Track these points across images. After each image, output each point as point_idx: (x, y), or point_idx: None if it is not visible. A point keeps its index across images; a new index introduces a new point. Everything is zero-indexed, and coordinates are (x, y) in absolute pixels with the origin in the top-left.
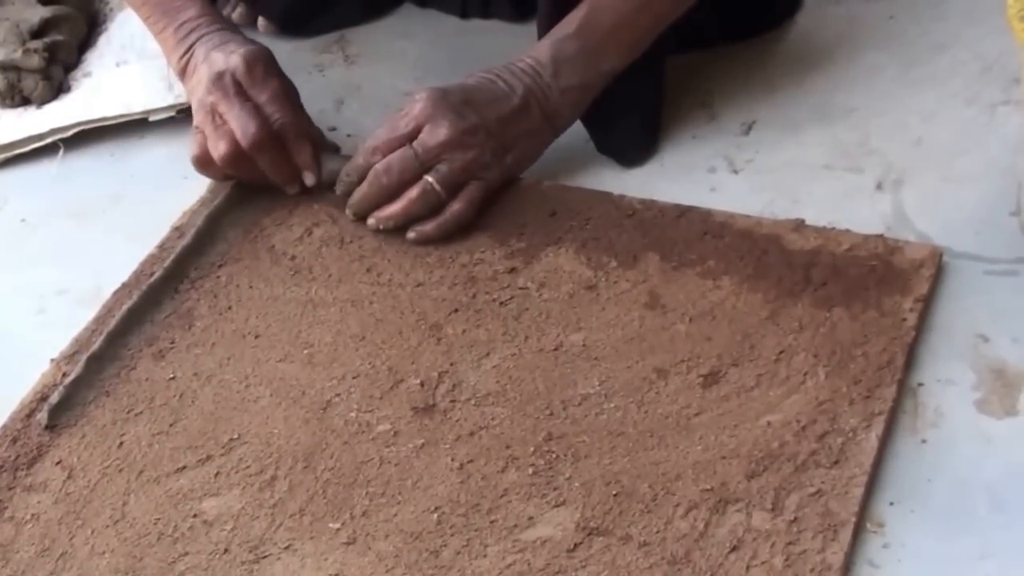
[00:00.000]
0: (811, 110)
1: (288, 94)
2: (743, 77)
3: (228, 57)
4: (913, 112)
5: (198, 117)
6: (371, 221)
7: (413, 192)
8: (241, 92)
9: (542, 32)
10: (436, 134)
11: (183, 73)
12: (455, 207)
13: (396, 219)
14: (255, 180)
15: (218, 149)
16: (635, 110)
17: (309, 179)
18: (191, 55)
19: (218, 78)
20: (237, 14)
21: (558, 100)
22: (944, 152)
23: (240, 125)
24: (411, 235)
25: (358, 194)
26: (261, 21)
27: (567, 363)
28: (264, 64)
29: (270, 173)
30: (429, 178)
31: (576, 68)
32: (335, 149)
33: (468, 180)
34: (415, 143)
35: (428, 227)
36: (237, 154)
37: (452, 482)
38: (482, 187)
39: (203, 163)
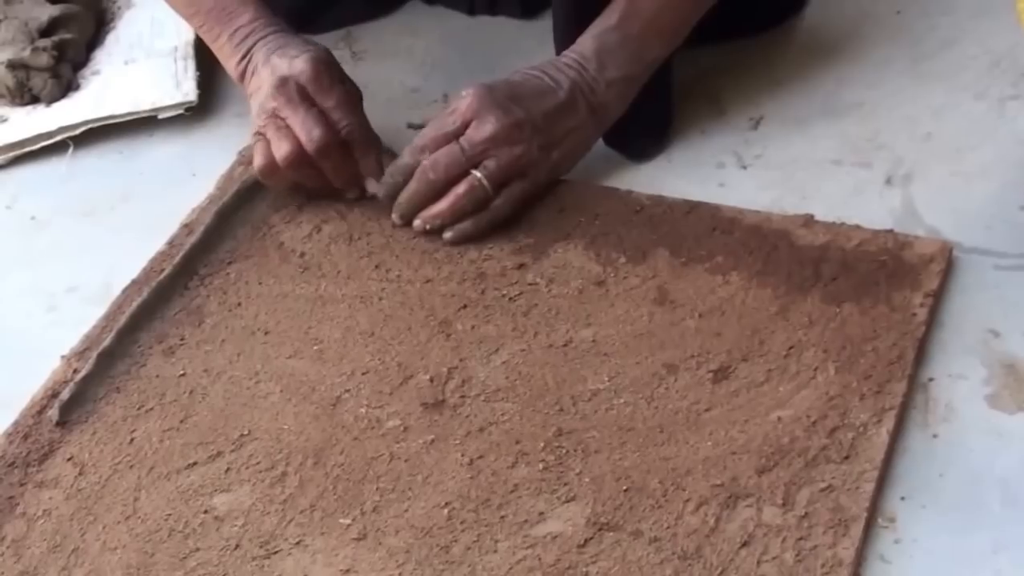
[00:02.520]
0: (819, 105)
1: (353, 100)
2: (751, 73)
3: (292, 62)
4: (922, 107)
5: (259, 121)
6: (417, 223)
7: (460, 188)
8: (306, 98)
9: (557, 28)
10: (482, 129)
11: (242, 78)
12: (496, 204)
13: (443, 217)
14: (316, 185)
15: (281, 150)
16: (645, 105)
17: (372, 186)
18: (249, 60)
19: (281, 84)
20: None
21: (604, 93)
22: (953, 147)
23: (305, 130)
24: (448, 235)
25: (405, 194)
26: None
27: (576, 359)
28: (329, 69)
29: (333, 178)
30: (477, 173)
31: (620, 60)
32: (394, 155)
33: (514, 177)
34: (462, 139)
35: (466, 224)
36: (300, 157)
37: (462, 477)
38: (526, 185)
39: (269, 171)
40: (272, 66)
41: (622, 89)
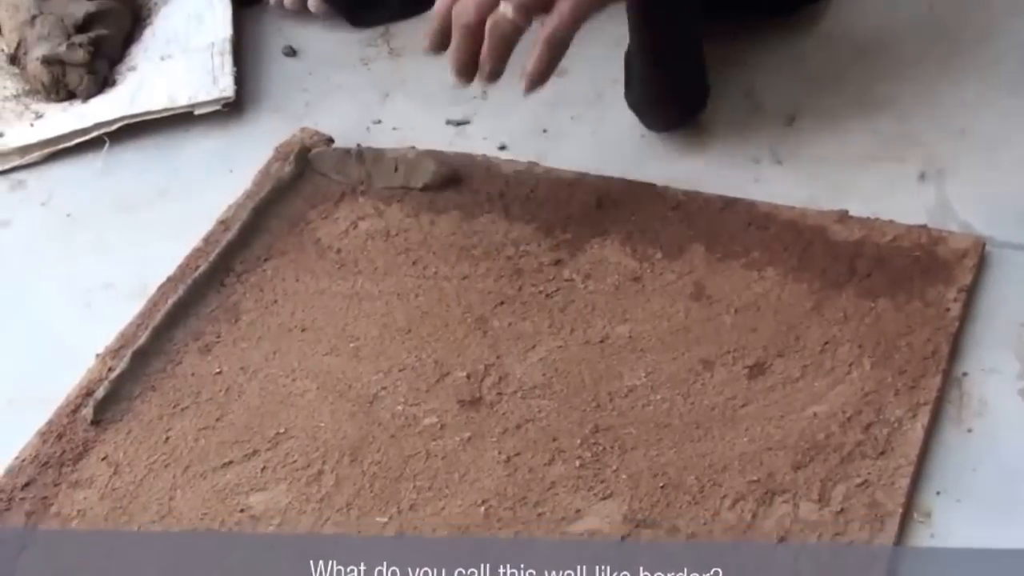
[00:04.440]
0: (853, 101)
1: None
2: (785, 68)
3: None
4: (955, 102)
5: None
6: (480, 83)
7: (489, 22)
8: None
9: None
10: None
11: None
12: (546, 33)
13: (491, 58)
14: None
15: None
16: (679, 71)
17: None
18: None
19: None
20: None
21: None
22: (987, 142)
23: None
24: (525, 92)
25: (451, 52)
26: (315, 2)
27: (613, 355)
28: None
29: None
30: (502, 6)
31: None
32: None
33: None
34: None
35: (529, 67)
36: None
37: (499, 475)
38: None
39: None
40: None
41: None
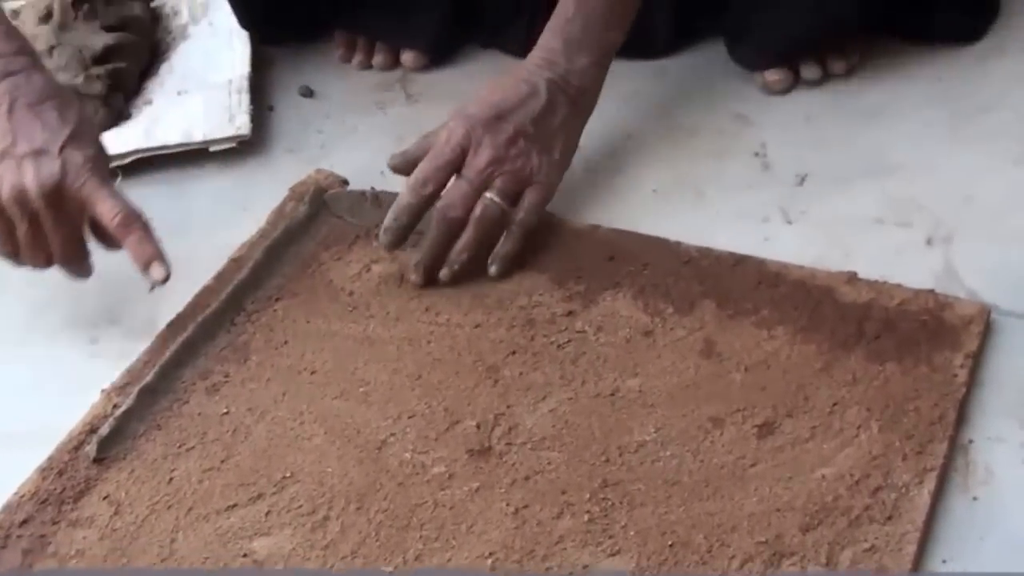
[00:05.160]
0: (862, 164)
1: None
2: (796, 128)
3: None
4: (962, 170)
5: None
6: (444, 272)
7: (477, 211)
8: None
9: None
10: (481, 155)
11: None
12: (519, 216)
13: (469, 247)
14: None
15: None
16: None
17: (158, 271)
18: None
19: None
20: (379, 60)
21: (578, 83)
22: (992, 211)
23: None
24: (492, 268)
25: (425, 245)
26: (408, 55)
27: (623, 409)
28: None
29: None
30: (488, 195)
31: (585, 47)
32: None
33: (525, 187)
34: (463, 170)
35: (503, 249)
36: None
37: (507, 527)
38: (540, 190)
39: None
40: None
41: (594, 73)
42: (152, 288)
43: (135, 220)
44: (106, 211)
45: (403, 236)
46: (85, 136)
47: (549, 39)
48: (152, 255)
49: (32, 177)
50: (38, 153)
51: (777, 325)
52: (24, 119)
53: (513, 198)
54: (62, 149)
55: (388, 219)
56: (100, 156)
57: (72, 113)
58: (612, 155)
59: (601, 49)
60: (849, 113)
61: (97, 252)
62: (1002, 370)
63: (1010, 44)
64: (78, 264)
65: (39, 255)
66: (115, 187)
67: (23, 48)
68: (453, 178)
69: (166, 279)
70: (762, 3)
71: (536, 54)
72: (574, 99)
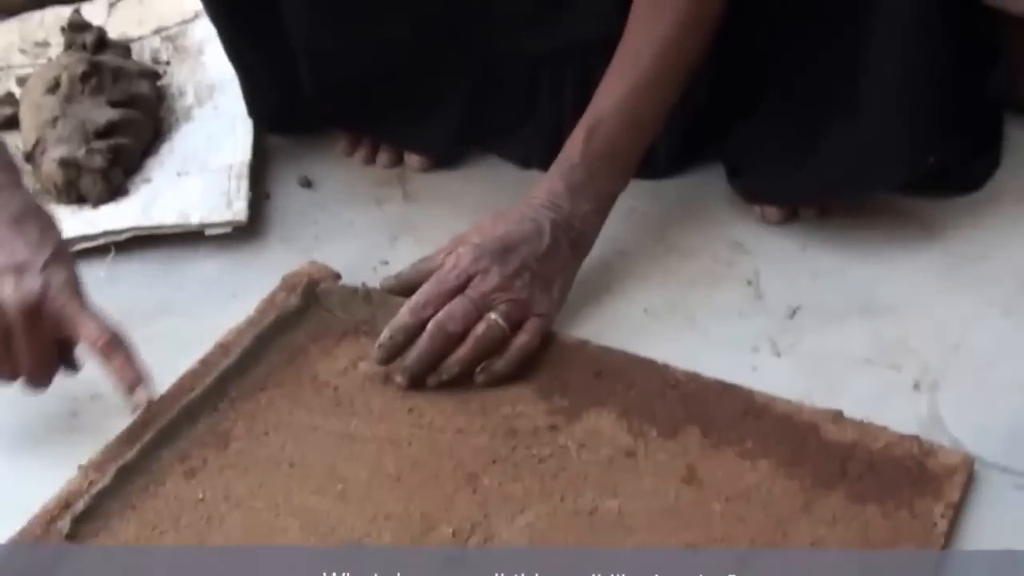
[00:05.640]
0: (855, 301)
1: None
2: (790, 258)
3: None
4: (952, 316)
5: None
6: (432, 379)
7: (479, 329)
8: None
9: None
10: (488, 281)
11: None
12: (521, 339)
13: (463, 362)
14: None
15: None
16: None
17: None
18: None
19: None
20: (383, 160)
21: (579, 228)
22: (980, 360)
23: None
24: (480, 378)
25: (416, 352)
26: (413, 158)
27: (601, 529)
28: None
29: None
30: (491, 315)
31: (588, 195)
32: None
33: (526, 317)
34: (468, 290)
35: (496, 365)
36: None
37: None
38: (541, 321)
39: None
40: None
41: (593, 220)
42: (134, 410)
43: (120, 343)
44: (91, 332)
45: (397, 354)
46: (66, 256)
47: (554, 182)
48: (137, 379)
49: (12, 291)
50: (19, 268)
51: (761, 457)
52: (5, 235)
53: (515, 325)
54: (44, 266)
55: (384, 336)
56: (77, 277)
57: (53, 232)
58: (605, 271)
59: (602, 198)
60: (844, 249)
61: None
62: (982, 524)
63: (1006, 193)
64: (45, 381)
65: (5, 369)
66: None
67: (5, 165)
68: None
69: (150, 402)
70: (760, 146)
71: (540, 195)
72: (574, 242)
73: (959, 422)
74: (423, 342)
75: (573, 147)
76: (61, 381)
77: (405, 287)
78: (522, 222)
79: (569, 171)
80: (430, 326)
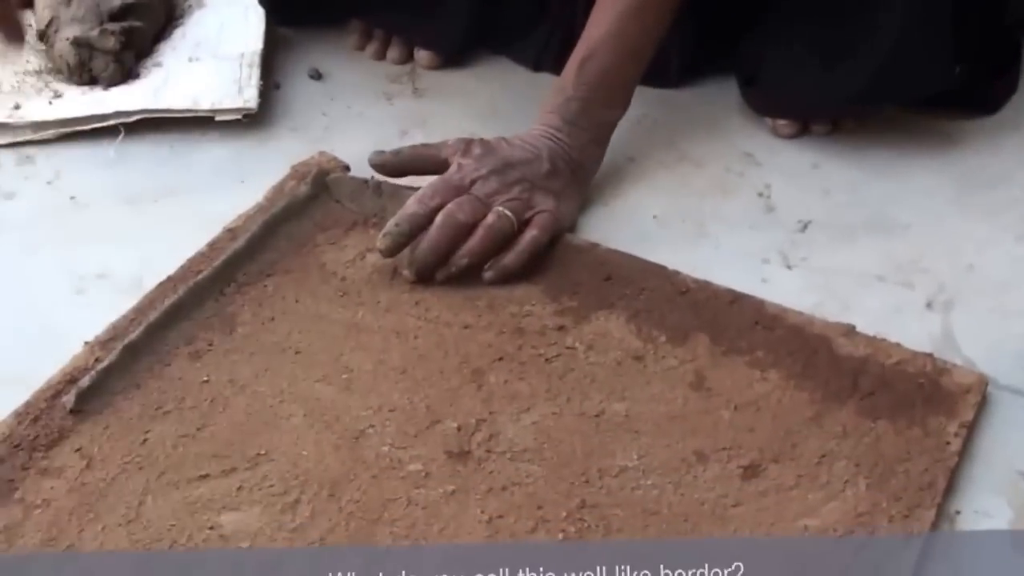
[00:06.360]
0: (866, 219)
1: None
2: (802, 173)
3: None
4: (966, 238)
5: None
6: (441, 272)
7: (488, 220)
8: None
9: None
10: (490, 183)
11: None
12: (530, 234)
13: (473, 253)
14: None
15: None
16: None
17: None
18: None
19: None
20: (393, 55)
21: (579, 158)
22: (994, 282)
23: None
24: (488, 274)
25: (427, 241)
26: (422, 54)
27: (608, 431)
28: None
29: None
30: (499, 207)
31: (585, 126)
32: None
33: (532, 215)
34: (472, 191)
35: (505, 260)
36: None
37: (479, 535)
38: (550, 216)
39: None
40: None
41: (592, 150)
42: None
43: None
44: None
45: (403, 243)
46: None
47: (549, 116)
48: None
49: None
50: None
51: (770, 368)
52: None
53: (522, 221)
54: None
55: (390, 224)
56: None
57: None
58: (614, 176)
59: (601, 127)
60: (857, 166)
61: (89, 208)
62: (995, 444)
63: (1023, 119)
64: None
65: None
66: None
67: None
68: None
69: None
70: (774, 58)
71: (537, 127)
72: (573, 170)
73: (972, 343)
74: (433, 232)
75: (566, 79)
76: (66, 258)
77: (402, 165)
78: (522, 147)
79: (564, 104)
80: (440, 216)
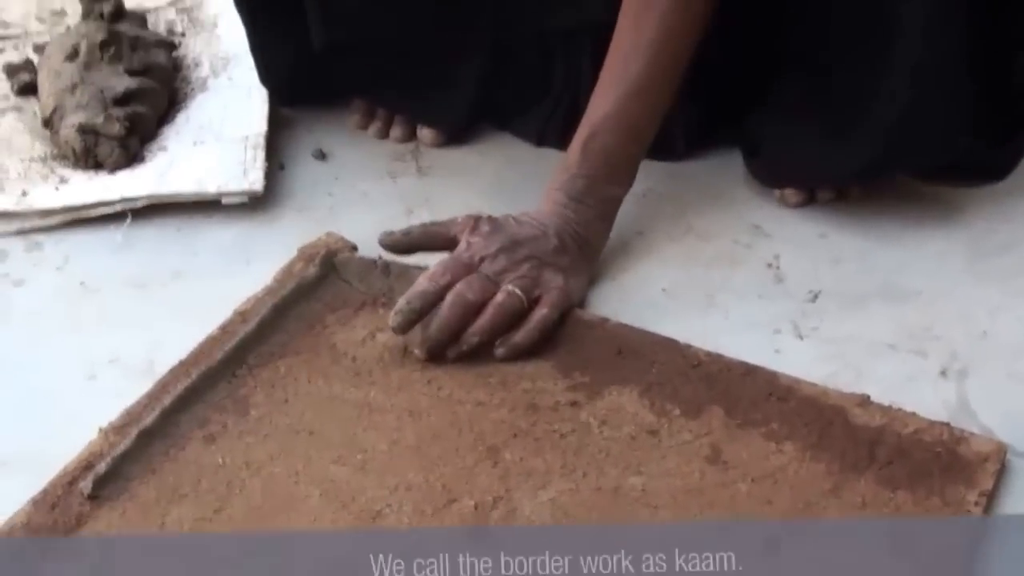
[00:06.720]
0: (876, 287)
1: None
2: (810, 243)
3: None
4: (978, 305)
5: None
6: (452, 351)
7: (498, 298)
8: None
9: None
10: (498, 262)
11: None
12: (540, 312)
13: (483, 332)
14: None
15: None
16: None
17: None
18: None
19: None
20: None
21: (585, 235)
22: (1009, 349)
23: None
24: (500, 351)
25: (437, 321)
26: (425, 132)
27: (625, 506)
28: None
29: None
30: (509, 286)
31: (591, 203)
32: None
33: (541, 292)
34: (481, 269)
35: (516, 337)
36: None
37: None
38: (560, 294)
39: None
40: None
41: (598, 226)
42: None
43: None
44: None
45: (415, 320)
46: None
47: (555, 193)
48: None
49: None
50: None
51: (786, 440)
52: None
53: (531, 298)
54: None
55: (401, 302)
56: None
57: None
58: (622, 251)
59: (606, 203)
60: (864, 234)
61: (99, 294)
62: (1017, 512)
63: None
64: None
65: None
66: None
67: None
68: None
69: None
70: (779, 129)
71: (544, 205)
72: (582, 246)
73: (988, 411)
74: (444, 311)
75: (571, 158)
76: (77, 344)
77: (412, 244)
78: (530, 225)
79: (569, 181)
80: (450, 296)
